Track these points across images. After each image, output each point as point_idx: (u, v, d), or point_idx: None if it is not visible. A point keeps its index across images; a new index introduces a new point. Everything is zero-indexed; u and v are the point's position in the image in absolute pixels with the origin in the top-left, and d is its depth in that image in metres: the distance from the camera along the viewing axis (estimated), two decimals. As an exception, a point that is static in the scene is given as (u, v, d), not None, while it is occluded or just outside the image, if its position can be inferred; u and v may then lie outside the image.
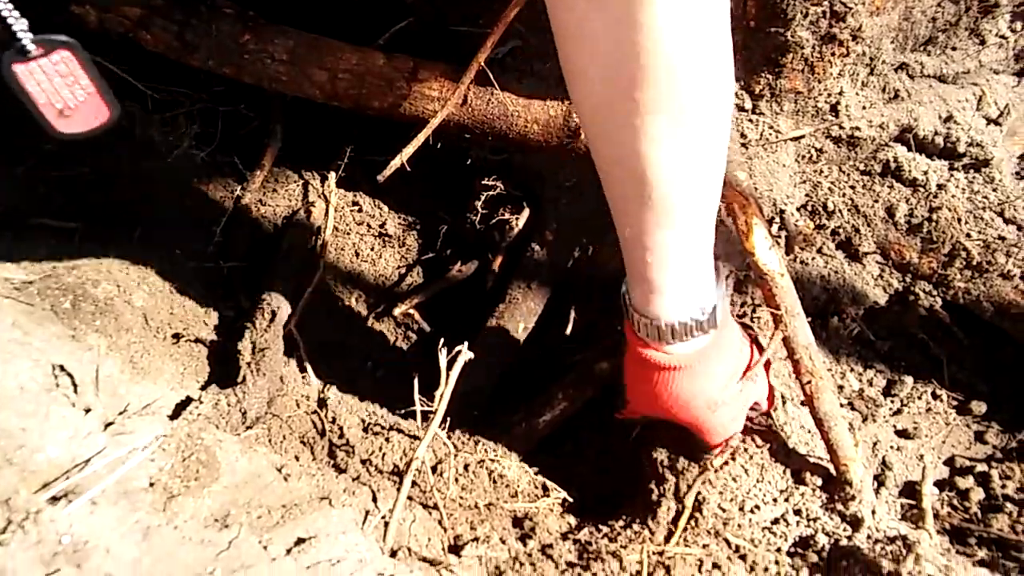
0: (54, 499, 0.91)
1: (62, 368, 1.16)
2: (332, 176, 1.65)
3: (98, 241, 1.53)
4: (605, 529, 1.27)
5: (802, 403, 1.33)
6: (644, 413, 1.30)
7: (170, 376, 1.39)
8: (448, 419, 1.40)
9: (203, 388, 1.37)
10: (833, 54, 1.27)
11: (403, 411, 1.49)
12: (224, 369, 1.44)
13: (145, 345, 1.40)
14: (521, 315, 1.55)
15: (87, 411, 1.11)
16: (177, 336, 1.46)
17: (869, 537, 1.18)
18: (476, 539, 1.27)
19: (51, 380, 1.13)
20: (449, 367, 1.31)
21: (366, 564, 0.98)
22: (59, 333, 1.30)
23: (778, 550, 1.20)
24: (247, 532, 1.02)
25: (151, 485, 1.05)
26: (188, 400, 1.29)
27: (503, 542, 1.28)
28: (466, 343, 1.32)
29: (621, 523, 1.28)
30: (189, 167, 1.67)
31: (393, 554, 1.17)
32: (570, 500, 1.39)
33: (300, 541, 1.02)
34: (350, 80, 1.43)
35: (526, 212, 1.60)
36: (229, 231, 1.63)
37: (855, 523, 1.21)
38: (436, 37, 1.54)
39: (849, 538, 1.19)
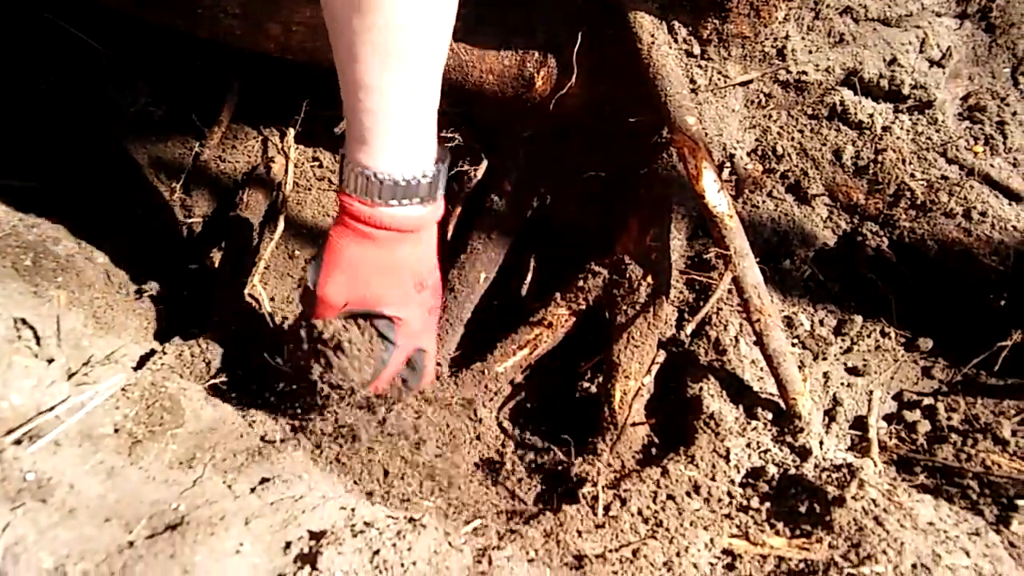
0: (17, 442, 0.93)
1: (24, 321, 1.18)
2: (291, 131, 1.66)
3: (58, 199, 1.54)
4: (565, 462, 1.31)
5: (753, 342, 1.37)
6: (340, 299, 1.20)
7: (133, 330, 1.40)
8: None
9: (166, 341, 1.39)
10: (778, -2, 1.30)
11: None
12: (187, 323, 1.46)
13: (108, 300, 1.42)
14: (482, 265, 1.57)
15: (50, 362, 1.12)
16: (140, 291, 1.47)
17: (816, 466, 1.23)
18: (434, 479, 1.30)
19: (13, 332, 1.15)
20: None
21: (329, 500, 1.01)
22: (21, 289, 1.31)
23: (731, 481, 1.24)
24: (212, 472, 1.04)
25: (115, 431, 1.08)
26: (152, 352, 1.31)
27: (469, 482, 1.32)
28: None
29: (579, 458, 1.32)
30: (147, 125, 1.67)
31: (368, 495, 1.20)
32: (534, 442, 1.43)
33: (264, 480, 1.05)
34: (304, 33, 1.44)
35: (484, 164, 1.62)
36: (189, 187, 1.64)
37: (803, 454, 1.26)
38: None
39: (797, 468, 1.23)
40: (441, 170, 1.16)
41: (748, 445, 1.28)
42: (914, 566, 1.01)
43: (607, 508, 1.18)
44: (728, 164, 1.43)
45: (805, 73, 1.41)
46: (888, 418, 1.42)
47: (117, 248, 1.52)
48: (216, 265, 1.49)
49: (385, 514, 0.98)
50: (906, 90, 1.43)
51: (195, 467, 1.06)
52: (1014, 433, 1.28)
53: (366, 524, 0.94)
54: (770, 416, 1.32)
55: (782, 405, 1.31)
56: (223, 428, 1.18)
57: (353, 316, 1.20)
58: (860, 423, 1.38)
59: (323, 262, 1.18)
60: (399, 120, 1.08)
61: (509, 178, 1.59)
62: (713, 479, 1.23)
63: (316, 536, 0.92)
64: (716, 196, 1.28)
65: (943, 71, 1.46)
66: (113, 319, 1.39)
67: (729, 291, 1.39)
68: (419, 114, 1.10)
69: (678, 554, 1.06)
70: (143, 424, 1.11)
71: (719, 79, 1.39)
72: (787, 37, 1.38)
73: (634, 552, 1.05)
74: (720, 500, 1.20)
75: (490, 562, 0.92)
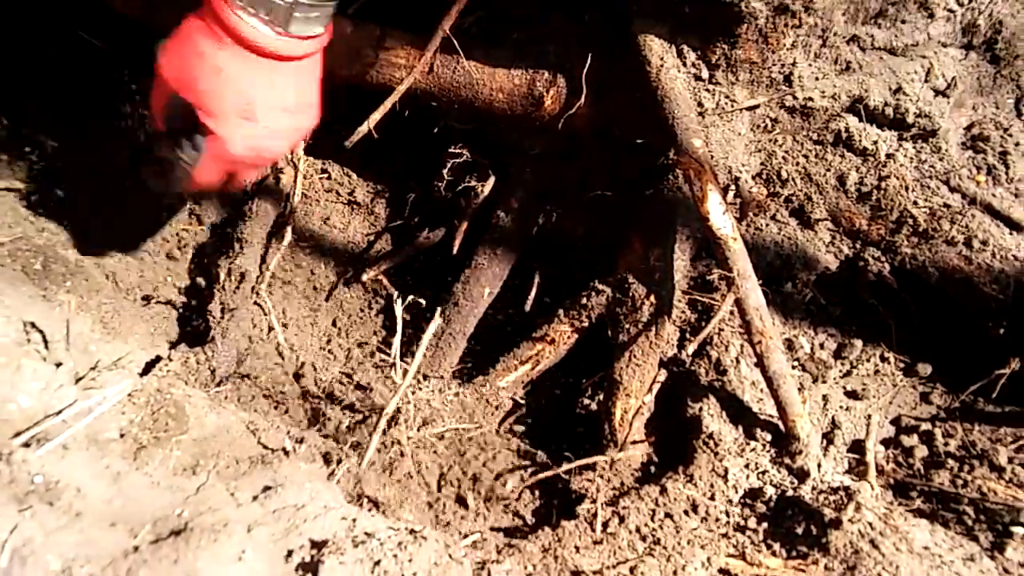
0: (25, 444, 0.94)
1: (33, 325, 1.19)
2: (300, 144, 1.67)
3: (68, 204, 1.55)
4: (564, 479, 1.32)
5: (754, 364, 1.38)
6: (171, 78, 1.19)
7: (140, 336, 1.42)
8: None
9: (173, 347, 1.40)
10: (786, 25, 1.31)
11: (371, 370, 1.53)
12: (193, 330, 1.47)
13: (115, 306, 1.43)
14: (487, 280, 1.59)
15: (58, 365, 1.13)
16: (147, 298, 1.49)
17: (814, 488, 1.24)
18: (440, 492, 1.31)
19: (22, 336, 1.16)
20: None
21: (331, 510, 1.02)
22: (30, 293, 1.32)
23: (729, 501, 1.25)
24: (215, 479, 1.05)
25: (121, 436, 1.09)
26: (158, 358, 1.32)
27: (467, 494, 1.33)
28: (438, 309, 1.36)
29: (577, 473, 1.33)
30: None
31: (370, 508, 1.21)
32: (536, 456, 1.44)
33: (267, 489, 1.06)
34: (318, 47, 1.46)
35: (492, 180, 1.63)
36: (199, 197, 1.65)
37: (801, 475, 1.27)
38: (403, 5, 1.56)
39: (795, 489, 1.24)
40: (312, 8, 1.14)
41: (746, 466, 1.29)
42: (909, 590, 1.02)
43: (605, 525, 1.19)
44: (733, 187, 1.44)
45: (811, 99, 1.42)
46: (886, 442, 1.42)
47: (125, 254, 1.53)
48: (224, 273, 1.50)
49: (386, 525, 0.99)
50: (910, 118, 1.44)
51: (199, 474, 1.07)
52: (1010, 460, 1.29)
53: (367, 535, 0.95)
54: (769, 437, 1.33)
55: (781, 427, 1.32)
56: (226, 436, 1.19)
57: (175, 105, 1.20)
58: (858, 447, 1.39)
59: (171, 34, 1.19)
60: None
61: (516, 195, 1.60)
62: (711, 498, 1.24)
63: (317, 545, 0.93)
64: (721, 218, 1.30)
65: (947, 100, 1.47)
66: (120, 324, 1.41)
67: (731, 312, 1.40)
68: None
69: (675, 572, 1.07)
70: (148, 430, 1.12)
71: (726, 103, 1.40)
72: (794, 63, 1.39)
73: (631, 569, 1.06)
74: (718, 520, 1.22)
75: (489, 575, 0.93)
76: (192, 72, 1.16)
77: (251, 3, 1.11)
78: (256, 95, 1.18)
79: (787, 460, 1.29)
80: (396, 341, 1.31)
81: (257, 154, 1.24)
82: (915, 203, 1.42)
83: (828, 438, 1.39)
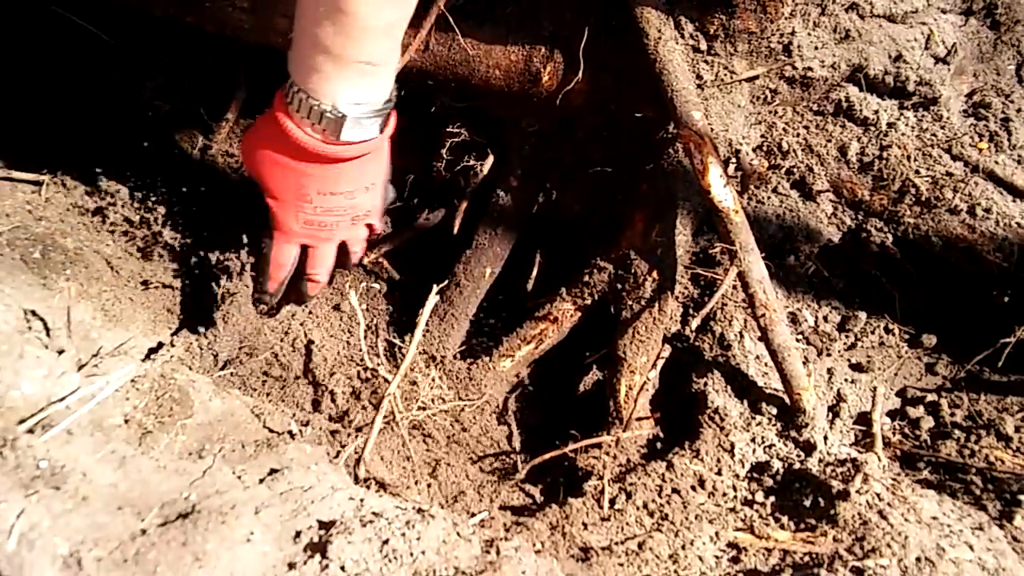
0: (30, 431, 0.94)
1: (34, 313, 1.18)
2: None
3: (66, 192, 1.54)
4: (571, 456, 1.32)
5: (758, 338, 1.37)
6: (246, 159, 1.30)
7: (142, 322, 1.41)
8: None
9: (175, 333, 1.40)
10: (784, -7, 1.30)
11: (374, 353, 1.52)
12: (195, 316, 1.46)
13: (116, 293, 1.42)
14: (488, 260, 1.58)
15: (60, 353, 1.13)
16: (147, 284, 1.48)
17: (821, 461, 1.24)
18: (440, 473, 1.31)
19: (23, 324, 1.15)
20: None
21: (338, 490, 1.02)
22: (30, 281, 1.31)
23: (736, 475, 1.25)
24: (221, 463, 1.05)
25: (126, 421, 1.08)
26: (160, 344, 1.31)
27: (467, 476, 1.33)
28: (435, 287, 1.36)
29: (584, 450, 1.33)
30: (155, 119, 1.68)
31: (377, 488, 1.21)
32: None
33: (273, 471, 1.06)
34: (313, 27, 1.44)
35: (490, 158, 1.62)
36: (197, 181, 1.64)
37: (808, 448, 1.27)
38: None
39: (802, 462, 1.24)
40: (360, 111, 1.18)
41: (753, 440, 1.29)
42: (918, 559, 1.02)
43: (613, 501, 1.18)
44: (734, 159, 1.43)
45: (811, 69, 1.41)
46: (892, 414, 1.42)
47: (124, 241, 1.52)
48: (225, 258, 1.49)
49: (394, 505, 0.99)
50: (911, 87, 1.43)
51: (205, 457, 1.06)
52: (1017, 429, 1.30)
53: (375, 514, 0.95)
54: (775, 411, 1.33)
55: (787, 400, 1.31)
56: (231, 420, 1.18)
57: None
58: (864, 419, 1.39)
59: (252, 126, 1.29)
60: (319, 53, 1.14)
61: (515, 173, 1.59)
62: (718, 473, 1.24)
63: (326, 526, 0.93)
64: (722, 191, 1.29)
65: (948, 68, 1.46)
66: (121, 311, 1.40)
67: (734, 287, 1.39)
68: (330, 52, 1.14)
69: (683, 547, 1.07)
70: (153, 415, 1.11)
71: (725, 74, 1.39)
72: (793, 33, 1.38)
73: (639, 545, 1.06)
74: (725, 494, 1.22)
75: (498, 552, 0.93)
76: (258, 161, 1.26)
77: (306, 113, 1.16)
78: (309, 184, 1.25)
79: (793, 433, 1.29)
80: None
81: (312, 233, 1.31)
82: (917, 172, 1.41)
83: (834, 411, 1.39)
